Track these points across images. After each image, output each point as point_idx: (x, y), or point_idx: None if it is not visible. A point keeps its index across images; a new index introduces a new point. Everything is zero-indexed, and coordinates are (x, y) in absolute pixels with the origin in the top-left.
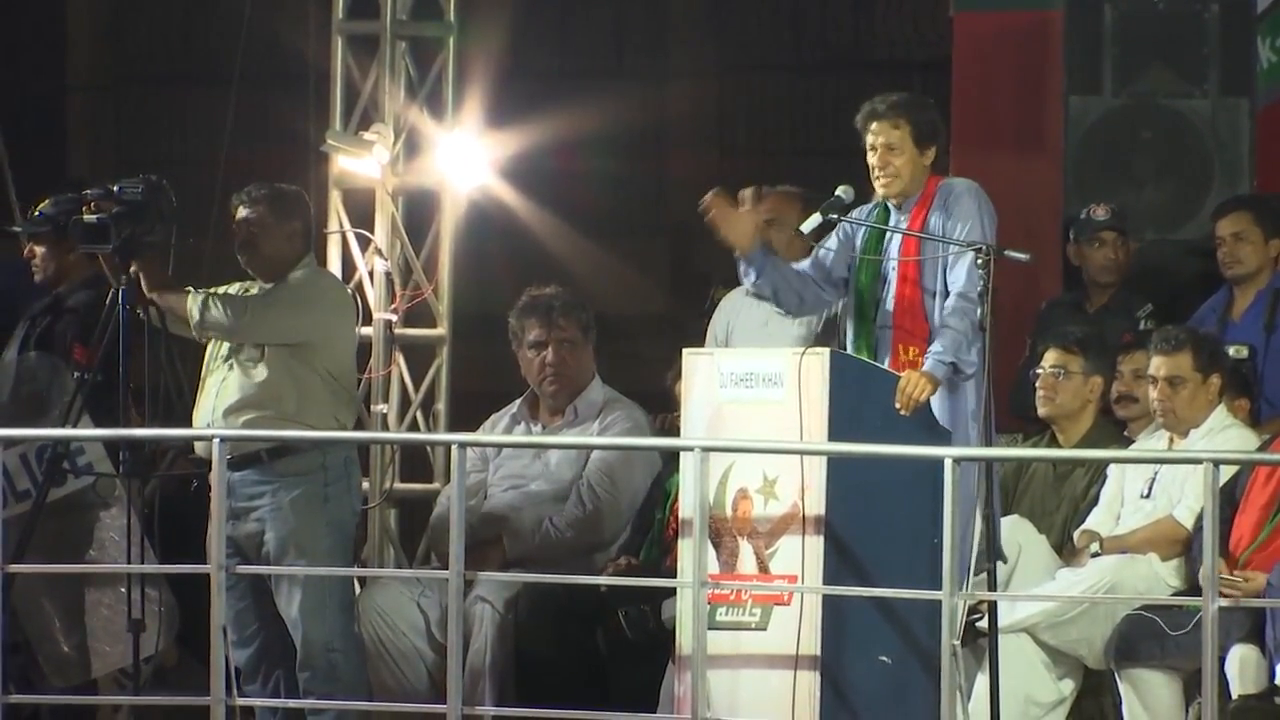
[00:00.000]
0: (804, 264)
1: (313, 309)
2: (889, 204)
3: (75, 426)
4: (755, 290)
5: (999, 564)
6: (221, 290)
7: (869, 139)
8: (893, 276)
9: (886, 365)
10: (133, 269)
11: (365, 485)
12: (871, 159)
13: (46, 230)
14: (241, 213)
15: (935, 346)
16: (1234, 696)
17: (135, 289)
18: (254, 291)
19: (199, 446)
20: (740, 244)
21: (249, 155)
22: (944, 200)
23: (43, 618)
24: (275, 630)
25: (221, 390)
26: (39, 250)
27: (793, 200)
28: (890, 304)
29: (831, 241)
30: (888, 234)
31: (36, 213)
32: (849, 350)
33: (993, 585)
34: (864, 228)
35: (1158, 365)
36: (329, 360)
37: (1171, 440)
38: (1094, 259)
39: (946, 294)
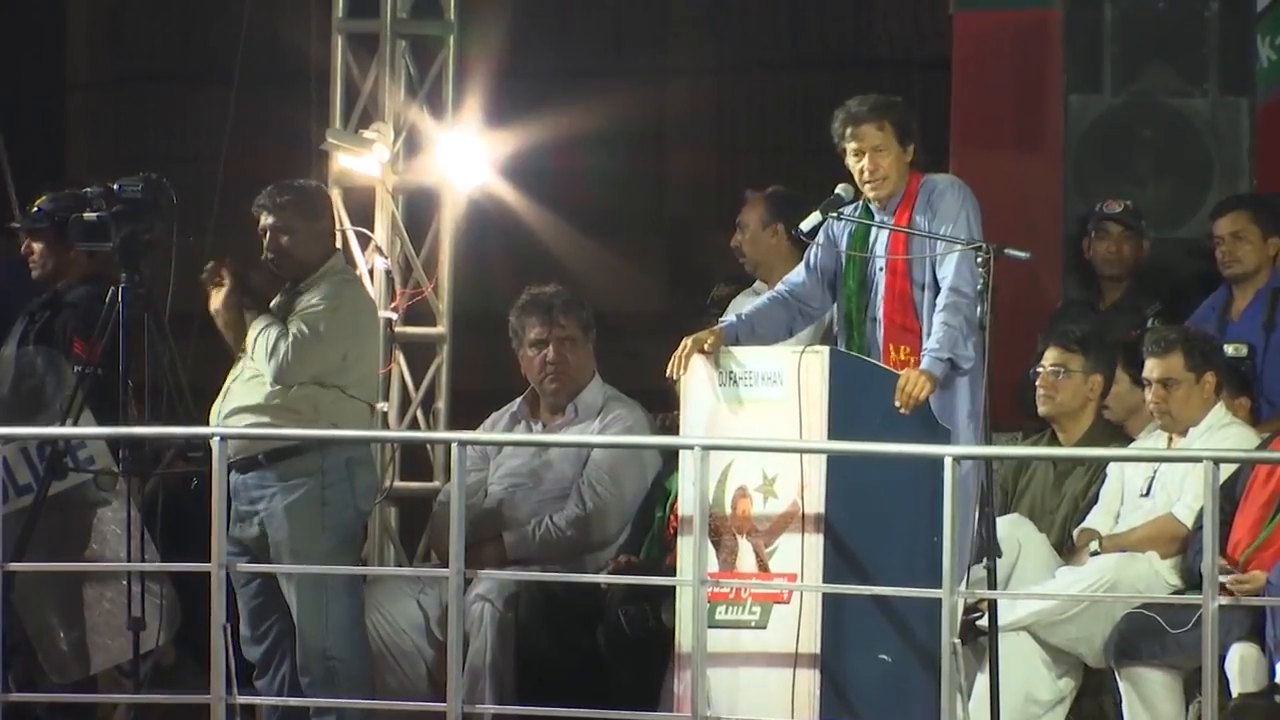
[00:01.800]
0: (797, 273)
1: (344, 340)
2: (871, 205)
3: (77, 420)
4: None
5: (998, 562)
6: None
7: (852, 145)
8: (881, 274)
9: (877, 361)
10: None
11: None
12: (857, 163)
13: (45, 227)
14: (266, 219)
15: (930, 343)
16: (1234, 695)
17: (135, 287)
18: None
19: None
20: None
21: (249, 153)
22: (927, 198)
23: (42, 614)
24: (288, 625)
25: (236, 392)
26: (37, 247)
27: (755, 204)
28: (880, 301)
29: (818, 248)
30: (873, 232)
31: (35, 209)
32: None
33: (993, 584)
34: (848, 229)
35: (1150, 368)
36: (351, 378)
37: (1170, 439)
38: (1098, 251)
39: (936, 289)
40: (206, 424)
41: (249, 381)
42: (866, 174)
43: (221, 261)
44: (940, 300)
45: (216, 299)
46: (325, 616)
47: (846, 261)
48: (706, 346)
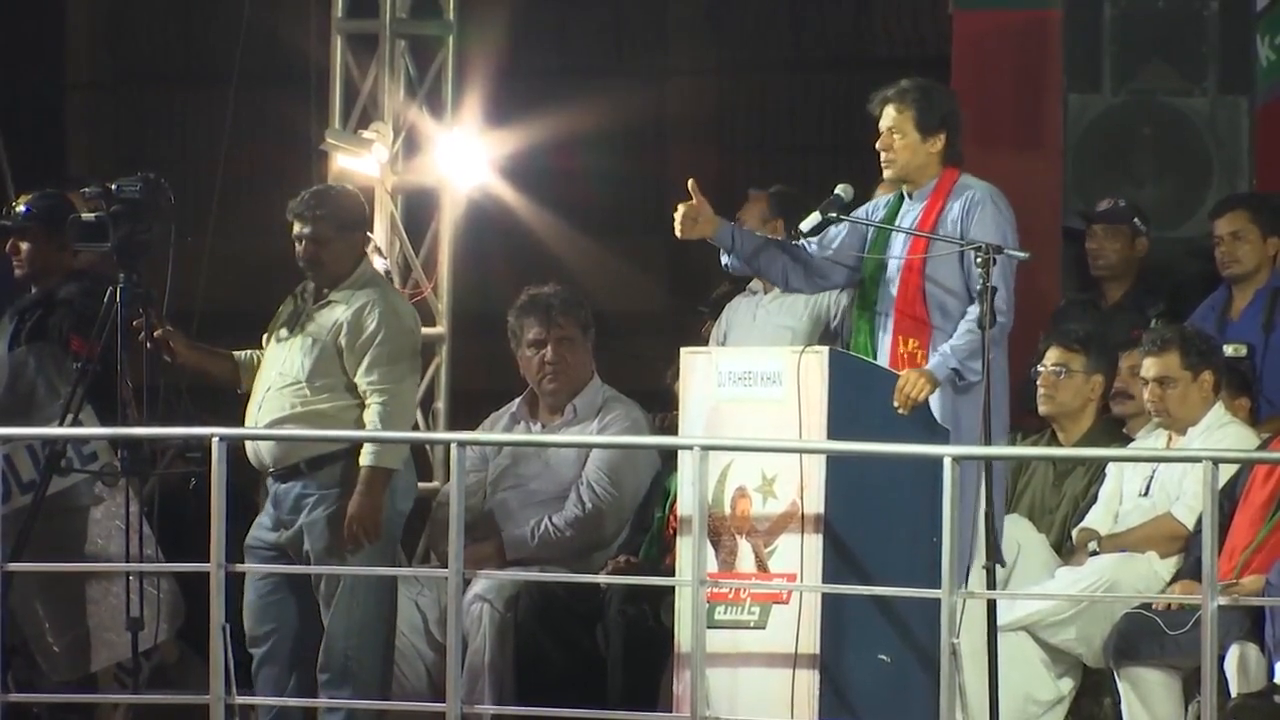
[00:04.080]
0: (809, 242)
1: (414, 375)
2: (904, 192)
3: (77, 416)
4: (736, 272)
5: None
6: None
7: (880, 123)
8: (897, 264)
9: (885, 352)
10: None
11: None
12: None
13: (32, 226)
14: (301, 228)
15: (944, 348)
16: (1233, 695)
17: (133, 287)
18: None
19: (250, 448)
20: (702, 231)
21: (248, 154)
22: (963, 200)
23: (36, 617)
24: (294, 627)
25: (272, 401)
26: (22, 246)
27: (758, 200)
28: (894, 292)
29: (843, 229)
30: (897, 223)
31: (22, 208)
32: (850, 334)
33: (992, 584)
34: (872, 221)
35: (1147, 366)
36: None
37: (1170, 439)
38: (1087, 251)
39: (968, 296)
40: (240, 424)
41: (284, 390)
42: (881, 151)
43: (164, 336)
44: (972, 310)
45: (180, 356)
46: (353, 618)
47: (870, 248)
48: (699, 218)
